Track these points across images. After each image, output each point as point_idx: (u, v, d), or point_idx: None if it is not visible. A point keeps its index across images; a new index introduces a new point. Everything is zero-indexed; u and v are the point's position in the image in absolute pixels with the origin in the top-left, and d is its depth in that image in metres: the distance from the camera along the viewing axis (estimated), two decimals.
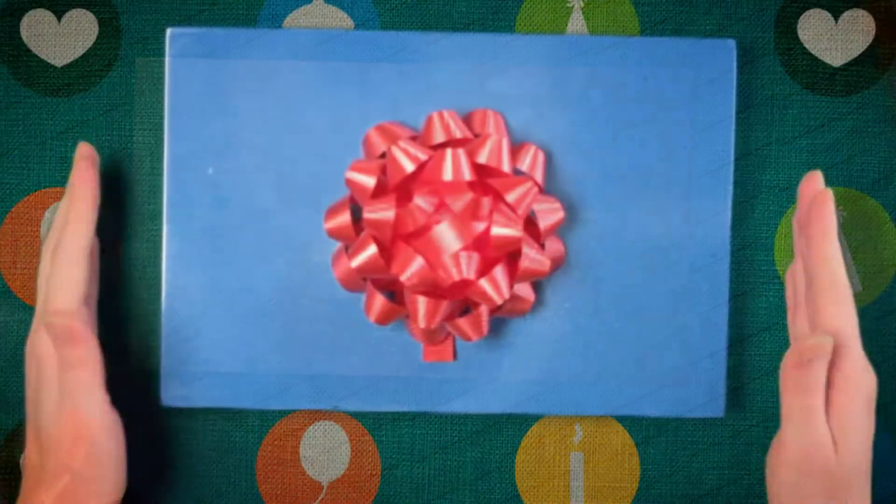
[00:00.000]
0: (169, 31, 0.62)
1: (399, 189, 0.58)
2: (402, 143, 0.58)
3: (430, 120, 0.60)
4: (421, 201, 0.58)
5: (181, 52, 0.62)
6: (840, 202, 0.66)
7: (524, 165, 0.60)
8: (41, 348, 0.57)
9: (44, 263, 0.59)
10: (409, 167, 0.57)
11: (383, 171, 0.59)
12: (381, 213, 0.57)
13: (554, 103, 0.62)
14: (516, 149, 0.61)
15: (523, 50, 0.62)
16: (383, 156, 0.60)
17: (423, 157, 0.58)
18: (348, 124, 0.62)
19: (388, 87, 0.62)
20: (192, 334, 0.62)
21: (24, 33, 0.66)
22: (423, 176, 0.58)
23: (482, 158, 0.58)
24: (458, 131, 0.59)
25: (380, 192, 0.58)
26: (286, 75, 0.62)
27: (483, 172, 0.59)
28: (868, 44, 0.66)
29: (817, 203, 0.58)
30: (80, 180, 0.59)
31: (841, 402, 0.55)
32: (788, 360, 0.56)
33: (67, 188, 0.59)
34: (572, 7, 0.66)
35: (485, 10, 0.66)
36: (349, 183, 0.58)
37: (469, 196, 0.57)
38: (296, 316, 0.62)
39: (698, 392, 0.63)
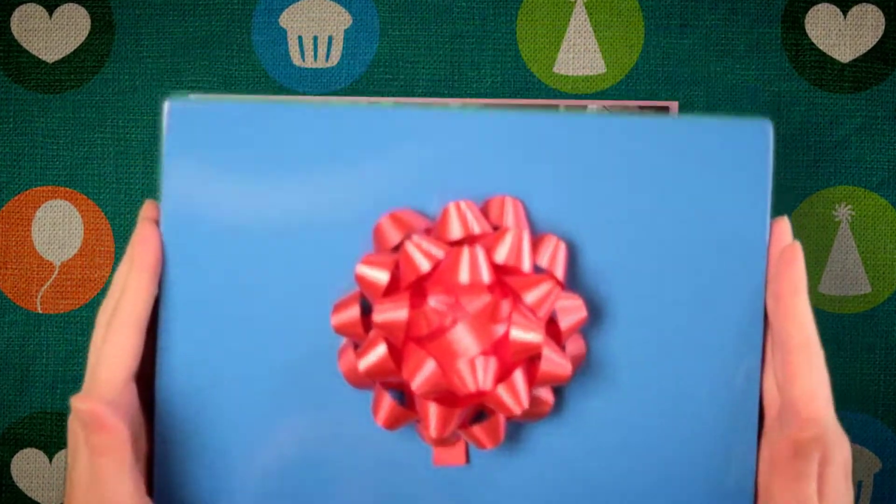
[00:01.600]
0: (167, 104, 0.56)
1: (412, 286, 0.55)
2: (417, 239, 0.54)
3: (446, 212, 0.56)
4: (436, 302, 0.55)
5: (180, 125, 0.57)
6: (848, 201, 0.66)
7: (544, 260, 0.56)
8: (77, 427, 0.54)
9: (97, 332, 0.56)
10: (425, 266, 0.53)
11: (396, 265, 0.55)
12: (393, 314, 0.53)
13: (577, 188, 0.58)
14: (536, 240, 0.56)
15: (545, 130, 0.58)
16: (395, 247, 0.56)
17: (439, 254, 0.54)
18: (359, 206, 0.57)
19: (402, 168, 0.57)
20: (184, 414, 0.59)
21: (15, 28, 0.65)
22: (438, 274, 0.56)
23: (500, 257, 0.54)
24: (476, 225, 0.56)
25: (392, 287, 0.55)
26: (292, 153, 0.57)
27: (502, 270, 0.56)
28: (877, 39, 0.65)
29: (786, 259, 0.55)
30: (142, 245, 0.56)
31: (827, 479, 0.53)
32: (783, 452, 0.53)
33: (128, 249, 0.56)
34: (574, 2, 0.65)
35: (485, 5, 0.65)
36: (359, 279, 0.54)
37: (487, 298, 0.55)
38: (295, 406, 0.59)
39: None
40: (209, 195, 0.57)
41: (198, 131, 0.57)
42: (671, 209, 0.57)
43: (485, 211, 0.57)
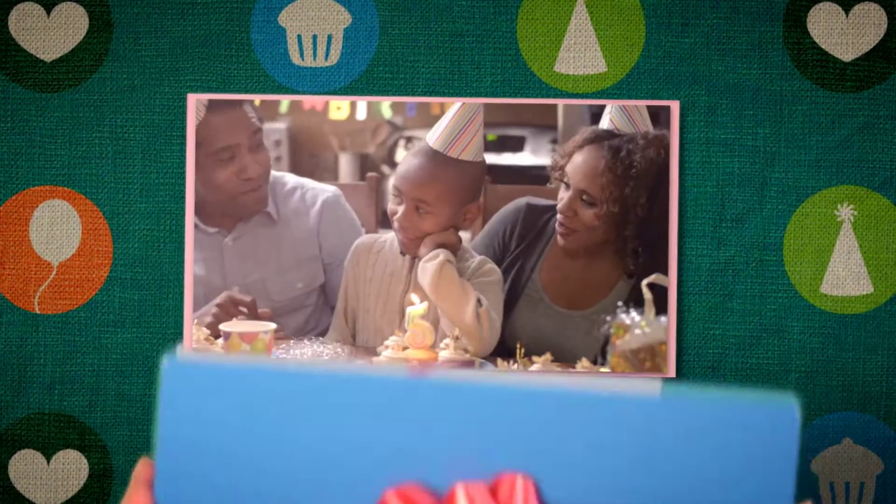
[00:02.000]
0: (164, 362, 0.54)
1: None
2: None
3: (453, 495, 0.55)
4: None
5: (176, 385, 0.55)
6: (850, 200, 0.65)
7: None
8: None
9: None
10: None
11: None
12: None
13: (594, 466, 0.55)
14: None
15: (562, 406, 0.56)
16: None
17: None
18: (363, 475, 0.56)
19: (409, 439, 0.56)
20: None
21: (13, 27, 0.65)
22: None
23: None
24: None
25: None
26: (292, 417, 0.56)
27: None
28: (879, 38, 0.65)
29: None
30: None
31: None
32: None
33: None
34: (575, 0, 0.65)
35: (486, 4, 0.65)
36: None
37: None
38: None
39: None
40: (206, 455, 0.54)
41: (194, 391, 0.54)
42: (691, 492, 0.55)
43: (494, 490, 0.55)
